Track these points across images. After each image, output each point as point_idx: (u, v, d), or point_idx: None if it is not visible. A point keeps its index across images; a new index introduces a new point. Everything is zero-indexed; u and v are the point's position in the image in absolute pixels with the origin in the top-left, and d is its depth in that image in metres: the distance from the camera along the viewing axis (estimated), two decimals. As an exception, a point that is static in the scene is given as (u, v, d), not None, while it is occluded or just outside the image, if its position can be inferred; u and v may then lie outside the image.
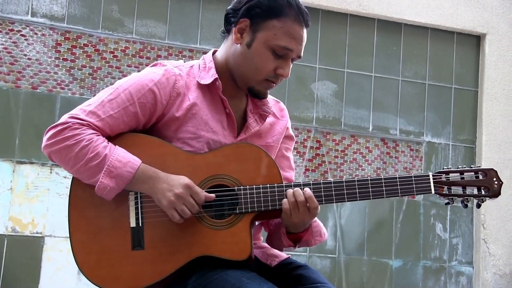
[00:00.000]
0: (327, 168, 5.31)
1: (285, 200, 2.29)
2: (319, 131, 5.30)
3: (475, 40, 5.82)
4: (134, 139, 2.34)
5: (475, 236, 5.60)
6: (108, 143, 2.27)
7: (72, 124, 2.26)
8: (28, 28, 4.72)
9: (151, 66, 2.46)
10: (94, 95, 4.64)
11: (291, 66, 2.41)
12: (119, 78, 4.78)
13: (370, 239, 5.33)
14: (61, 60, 4.76)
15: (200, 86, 2.42)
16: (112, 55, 4.87)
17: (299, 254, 5.10)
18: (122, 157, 2.25)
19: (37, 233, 4.58)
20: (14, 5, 4.71)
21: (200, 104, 2.39)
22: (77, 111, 2.30)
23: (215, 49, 2.57)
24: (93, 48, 4.84)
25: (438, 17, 5.64)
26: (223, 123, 2.43)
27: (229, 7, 2.46)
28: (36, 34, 4.73)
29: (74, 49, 4.79)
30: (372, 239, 5.35)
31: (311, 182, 2.33)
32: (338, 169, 5.34)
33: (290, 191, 2.29)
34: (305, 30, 2.39)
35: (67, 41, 4.79)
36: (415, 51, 5.65)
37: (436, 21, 5.63)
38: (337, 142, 5.37)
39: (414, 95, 5.61)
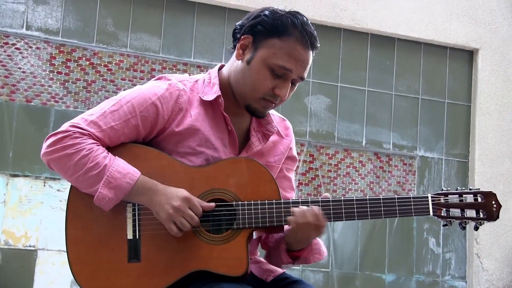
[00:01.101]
0: (320, 182, 5.32)
1: (291, 218, 2.28)
2: (313, 145, 5.31)
3: (468, 55, 5.85)
4: (134, 150, 2.34)
5: (468, 250, 5.60)
6: (108, 154, 2.27)
7: (73, 133, 2.25)
8: (22, 41, 4.72)
9: (155, 80, 2.45)
10: (88, 108, 4.66)
11: (292, 88, 2.39)
12: (113, 92, 4.83)
13: (363, 253, 5.33)
14: (55, 73, 4.77)
15: (203, 102, 2.40)
16: (106, 68, 4.88)
17: (292, 269, 5.10)
18: (121, 168, 2.24)
19: (30, 246, 4.57)
20: (9, 18, 4.72)
21: (202, 120, 2.38)
22: (78, 120, 2.30)
23: (223, 64, 2.55)
24: (88, 62, 4.85)
25: (431, 32, 5.67)
26: (224, 141, 2.41)
27: (237, 23, 2.45)
28: (30, 47, 4.73)
29: (68, 62, 4.80)
30: (365, 254, 5.35)
31: (319, 199, 2.33)
32: (332, 183, 5.35)
33: (296, 209, 2.29)
34: (310, 52, 2.37)
35: (61, 54, 4.80)
36: (408, 65, 5.67)
37: (429, 36, 5.66)
38: (330, 156, 5.38)
39: (407, 110, 5.63)
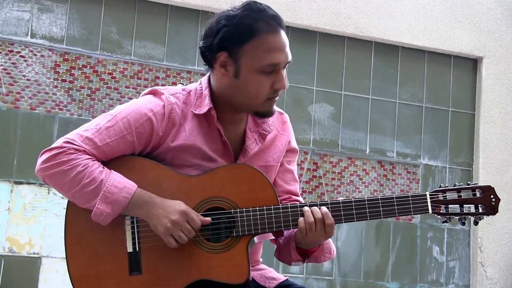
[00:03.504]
0: (324, 190, 5.31)
1: (301, 219, 2.28)
2: (316, 153, 5.31)
3: (472, 64, 5.85)
4: (129, 161, 2.33)
5: (472, 259, 5.59)
6: (104, 168, 2.26)
7: (68, 149, 2.24)
8: (27, 49, 4.74)
9: (148, 93, 2.42)
10: (92, 116, 4.67)
11: (285, 74, 2.35)
12: (117, 99, 4.84)
13: (366, 261, 5.32)
14: (59, 81, 4.78)
15: (196, 115, 2.38)
16: (110, 76, 4.89)
17: (296, 276, 5.10)
18: (118, 182, 2.24)
19: (34, 253, 4.57)
20: (14, 26, 4.73)
21: (196, 134, 2.36)
22: (73, 136, 2.29)
23: None
24: (92, 69, 4.86)
25: (435, 40, 5.67)
26: (219, 152, 2.40)
27: (200, 45, 2.39)
28: (35, 55, 4.75)
29: (72, 70, 4.81)
30: (369, 262, 5.34)
31: (318, 203, 2.33)
32: (335, 191, 5.35)
33: (308, 210, 2.28)
34: (282, 33, 2.31)
35: (66, 62, 4.81)
36: (412, 74, 5.68)
37: (433, 44, 5.66)
38: (334, 164, 5.38)
39: (411, 118, 5.63)
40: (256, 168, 2.35)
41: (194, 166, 2.35)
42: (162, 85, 4.87)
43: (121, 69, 4.93)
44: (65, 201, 4.69)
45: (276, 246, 2.56)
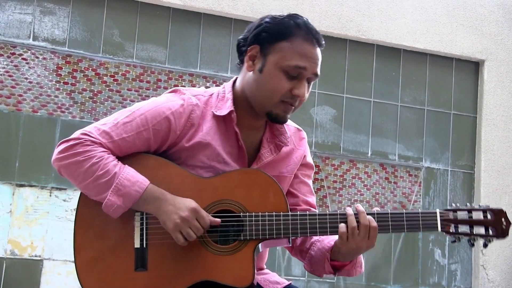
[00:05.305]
0: (326, 193, 5.31)
1: (342, 224, 2.29)
2: (318, 156, 5.31)
3: (474, 66, 5.85)
4: (143, 159, 2.35)
5: (474, 262, 5.59)
6: (118, 162, 2.29)
7: (85, 140, 2.27)
8: (29, 51, 4.74)
9: (170, 92, 2.46)
10: (94, 119, 4.68)
11: (308, 87, 2.39)
12: (119, 102, 4.84)
13: (368, 264, 5.31)
14: (61, 83, 4.78)
15: (216, 117, 2.41)
16: (112, 79, 4.90)
17: (297, 279, 5.10)
18: (131, 176, 2.26)
19: (36, 256, 4.57)
20: (16, 29, 4.74)
21: (213, 134, 2.39)
22: (91, 128, 2.32)
23: (237, 76, 2.54)
24: (94, 72, 4.86)
25: (437, 43, 5.67)
26: (234, 155, 2.42)
27: (239, 37, 2.47)
28: (37, 57, 4.75)
29: (75, 72, 4.82)
30: (371, 264, 5.34)
31: (317, 213, 2.35)
32: (337, 193, 5.35)
33: (351, 214, 2.30)
34: (318, 49, 2.38)
35: (68, 64, 4.81)
36: (414, 76, 5.68)
37: (435, 47, 5.66)
38: (336, 167, 5.38)
39: (413, 121, 5.63)
40: (268, 174, 2.36)
41: (207, 168, 2.37)
42: (164, 87, 4.89)
43: (123, 72, 4.93)
44: (67, 204, 4.70)
45: (306, 257, 2.55)
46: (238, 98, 2.44)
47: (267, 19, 2.40)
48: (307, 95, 2.41)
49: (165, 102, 2.38)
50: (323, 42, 2.40)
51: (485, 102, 5.74)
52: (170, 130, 2.34)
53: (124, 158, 2.33)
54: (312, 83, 2.42)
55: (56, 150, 2.31)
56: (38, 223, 4.59)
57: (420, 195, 5.55)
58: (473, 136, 5.76)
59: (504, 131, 5.75)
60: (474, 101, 5.80)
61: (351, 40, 5.50)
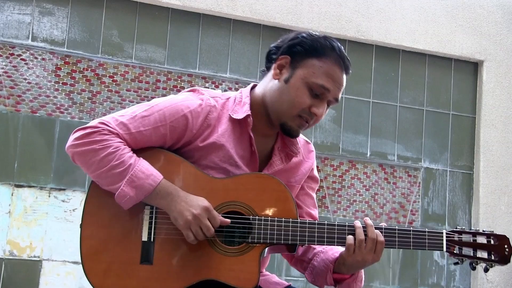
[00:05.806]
0: (325, 194, 5.31)
1: (350, 236, 2.33)
2: (317, 157, 5.31)
3: (473, 67, 5.85)
4: (158, 154, 2.37)
5: (473, 262, 5.59)
6: (133, 154, 2.30)
7: (102, 129, 2.29)
8: (28, 52, 4.74)
9: (188, 91, 2.49)
10: (93, 119, 4.67)
11: (326, 109, 2.44)
12: (119, 103, 4.84)
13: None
14: (60, 84, 4.78)
15: (232, 120, 2.43)
16: (111, 79, 4.89)
17: (296, 280, 5.10)
18: (145, 169, 2.27)
19: (34, 257, 4.57)
20: (15, 29, 4.74)
21: (227, 136, 2.41)
22: (109, 118, 2.34)
23: (255, 83, 2.58)
24: (93, 73, 4.86)
25: (436, 43, 5.67)
26: (246, 160, 2.44)
27: (272, 45, 2.50)
28: (36, 58, 4.75)
29: (73, 73, 4.82)
30: (370, 266, 5.33)
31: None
32: (336, 194, 5.35)
33: (360, 227, 2.34)
34: (345, 76, 2.43)
35: (66, 65, 4.81)
36: (413, 77, 5.68)
37: (434, 47, 5.66)
38: (335, 167, 5.38)
39: (412, 121, 5.63)
40: (281, 181, 2.38)
41: (219, 169, 2.38)
42: (163, 88, 4.88)
43: (122, 72, 4.93)
44: (66, 205, 4.69)
45: (308, 267, 2.58)
46: (256, 104, 2.47)
47: (304, 34, 2.43)
48: (323, 116, 2.45)
49: (183, 100, 2.40)
50: (351, 71, 2.46)
51: (484, 103, 5.74)
52: (186, 129, 2.36)
53: (139, 151, 2.34)
54: (330, 106, 2.47)
55: (72, 137, 2.31)
56: (37, 223, 4.59)
57: (419, 195, 5.55)
58: (472, 137, 5.76)
59: (503, 131, 5.75)
60: (473, 101, 5.80)
61: (350, 40, 5.50)
